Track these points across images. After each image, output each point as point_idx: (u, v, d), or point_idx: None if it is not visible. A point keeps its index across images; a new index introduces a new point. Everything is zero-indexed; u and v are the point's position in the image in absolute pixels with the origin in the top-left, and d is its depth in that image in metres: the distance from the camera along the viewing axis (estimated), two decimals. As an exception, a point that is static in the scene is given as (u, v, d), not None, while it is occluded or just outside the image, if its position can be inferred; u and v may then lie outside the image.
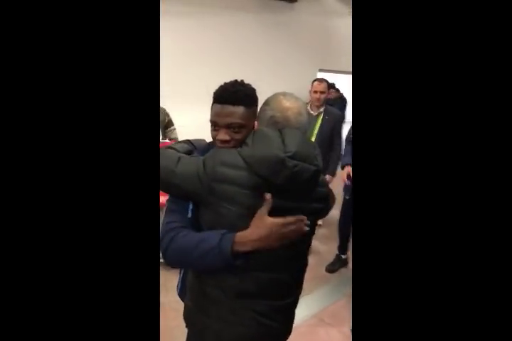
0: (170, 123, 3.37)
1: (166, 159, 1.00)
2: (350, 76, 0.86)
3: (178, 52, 4.62)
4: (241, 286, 1.01)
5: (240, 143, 1.02)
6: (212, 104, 1.04)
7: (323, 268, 3.04)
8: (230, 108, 0.99)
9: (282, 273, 1.05)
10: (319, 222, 3.35)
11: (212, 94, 1.05)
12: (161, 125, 3.21)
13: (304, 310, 2.45)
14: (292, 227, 0.95)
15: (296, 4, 5.71)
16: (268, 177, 0.94)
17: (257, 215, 0.94)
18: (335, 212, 4.24)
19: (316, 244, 3.51)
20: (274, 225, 0.93)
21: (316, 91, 3.05)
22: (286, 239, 0.96)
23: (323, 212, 1.14)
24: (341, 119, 3.28)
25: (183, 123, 3.20)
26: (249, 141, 1.00)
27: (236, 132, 1.01)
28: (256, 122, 1.06)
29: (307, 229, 0.98)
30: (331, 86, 8.16)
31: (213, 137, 1.05)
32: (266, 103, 1.07)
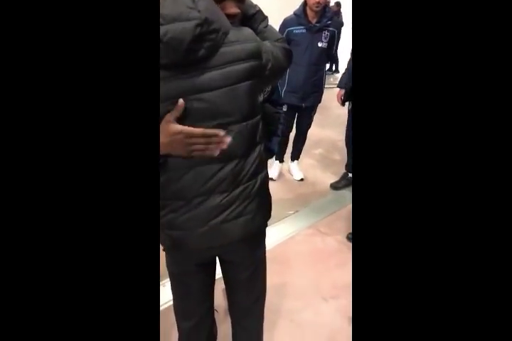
0: None
1: None
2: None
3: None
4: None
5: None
6: None
7: (322, 186, 3.16)
8: None
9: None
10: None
11: None
12: None
13: (301, 221, 2.64)
14: (200, 140, 0.84)
15: None
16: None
17: (163, 120, 0.82)
18: (330, 133, 4.16)
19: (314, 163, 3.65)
20: (175, 134, 0.82)
21: None
22: (196, 152, 0.85)
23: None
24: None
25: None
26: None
27: None
28: None
29: (224, 147, 0.86)
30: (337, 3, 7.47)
31: None
32: None
